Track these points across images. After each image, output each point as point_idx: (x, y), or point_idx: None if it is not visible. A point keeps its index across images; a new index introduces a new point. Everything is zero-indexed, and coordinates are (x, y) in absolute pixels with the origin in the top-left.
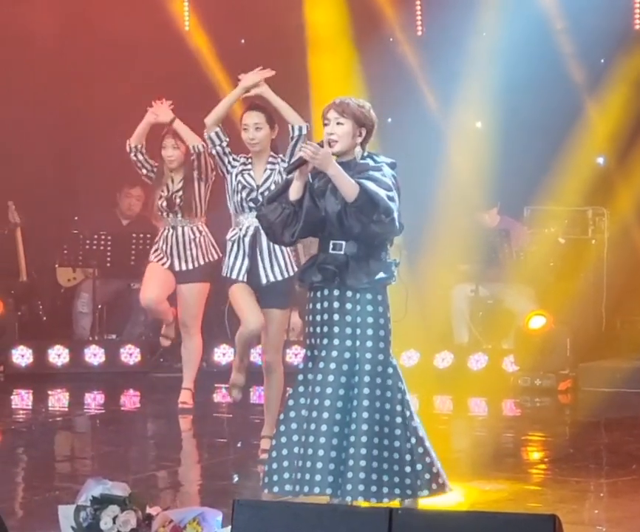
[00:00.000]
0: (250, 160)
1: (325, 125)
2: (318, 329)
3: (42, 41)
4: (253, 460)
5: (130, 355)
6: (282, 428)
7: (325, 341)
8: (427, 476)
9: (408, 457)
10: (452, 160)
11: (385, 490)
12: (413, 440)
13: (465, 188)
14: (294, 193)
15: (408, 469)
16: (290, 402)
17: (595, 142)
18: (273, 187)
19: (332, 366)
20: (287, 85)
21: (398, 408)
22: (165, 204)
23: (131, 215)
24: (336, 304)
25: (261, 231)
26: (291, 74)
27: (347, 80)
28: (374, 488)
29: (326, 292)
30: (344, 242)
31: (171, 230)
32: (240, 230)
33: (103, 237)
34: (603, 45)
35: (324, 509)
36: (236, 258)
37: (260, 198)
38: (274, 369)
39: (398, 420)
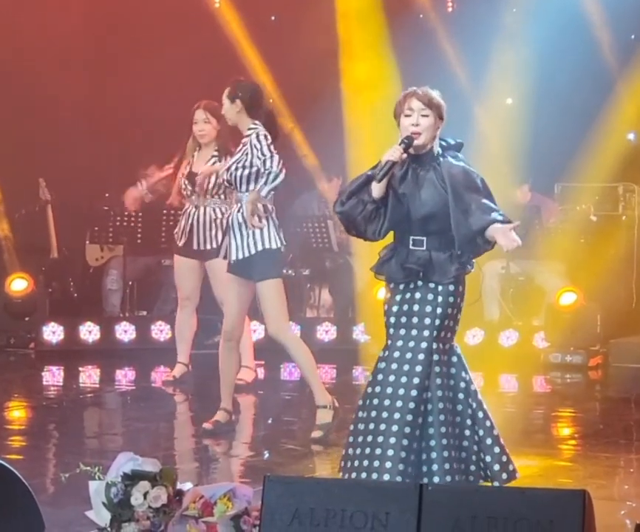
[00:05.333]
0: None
1: (407, 116)
2: (397, 320)
3: (73, 20)
4: (283, 436)
5: (161, 331)
6: (360, 414)
7: (403, 332)
8: (497, 467)
9: (475, 448)
10: (483, 137)
11: (464, 477)
12: (480, 432)
13: (496, 165)
14: (378, 190)
15: (474, 459)
16: (369, 389)
17: (625, 119)
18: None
19: (409, 355)
20: (316, 61)
21: (461, 396)
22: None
23: (154, 193)
24: (418, 295)
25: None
26: (320, 50)
27: (377, 56)
28: (449, 478)
29: (411, 285)
30: (425, 238)
31: (195, 209)
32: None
33: (133, 214)
34: (634, 21)
35: (354, 484)
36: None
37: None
38: (283, 340)
39: (459, 407)
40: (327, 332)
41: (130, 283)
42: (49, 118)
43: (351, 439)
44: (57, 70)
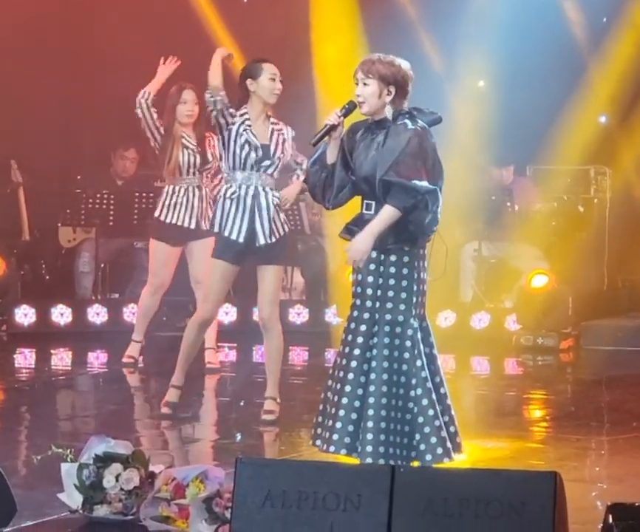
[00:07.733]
0: (247, 116)
1: (356, 85)
2: (354, 290)
3: (45, 2)
4: (255, 419)
5: (133, 313)
6: (329, 382)
7: (359, 302)
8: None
9: (427, 423)
10: (455, 119)
11: (400, 452)
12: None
13: (467, 147)
14: (330, 156)
15: (424, 434)
16: (336, 359)
17: (597, 101)
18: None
19: (353, 326)
20: (288, 42)
21: (416, 371)
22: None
23: (126, 176)
24: (360, 264)
25: (260, 191)
26: (293, 32)
27: (349, 38)
28: (382, 449)
29: None
30: (374, 202)
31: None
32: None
33: (105, 196)
34: (605, 4)
35: (326, 466)
36: (235, 216)
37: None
38: (271, 327)
39: (413, 381)
40: (298, 315)
41: (102, 265)
42: (20, 100)
43: (320, 406)
44: (28, 52)
